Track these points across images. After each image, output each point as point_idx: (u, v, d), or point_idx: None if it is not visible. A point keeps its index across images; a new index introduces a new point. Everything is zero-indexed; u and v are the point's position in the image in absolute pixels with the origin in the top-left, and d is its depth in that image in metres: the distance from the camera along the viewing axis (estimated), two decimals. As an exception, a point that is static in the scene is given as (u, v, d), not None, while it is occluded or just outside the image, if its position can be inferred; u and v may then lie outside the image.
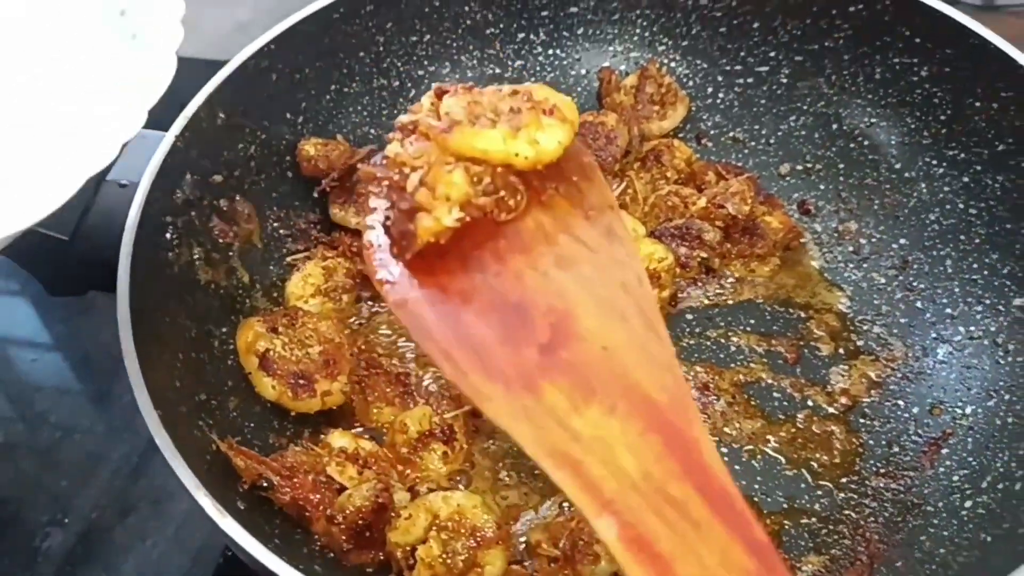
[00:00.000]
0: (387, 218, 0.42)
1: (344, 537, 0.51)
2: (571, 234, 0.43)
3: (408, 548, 0.51)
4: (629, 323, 0.40)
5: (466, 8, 0.71)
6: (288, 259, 0.65)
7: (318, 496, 0.52)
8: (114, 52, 0.51)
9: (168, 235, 0.55)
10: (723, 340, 0.63)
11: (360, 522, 0.51)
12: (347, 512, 0.51)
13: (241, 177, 0.62)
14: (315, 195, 0.66)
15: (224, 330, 0.58)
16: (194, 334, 0.56)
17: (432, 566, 0.49)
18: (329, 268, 0.63)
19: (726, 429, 0.59)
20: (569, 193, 0.43)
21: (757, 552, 0.34)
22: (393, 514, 0.52)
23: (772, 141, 0.72)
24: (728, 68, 0.73)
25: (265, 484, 0.51)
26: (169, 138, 0.56)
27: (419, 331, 0.40)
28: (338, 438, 0.56)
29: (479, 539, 0.50)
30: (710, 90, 0.73)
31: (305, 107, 0.66)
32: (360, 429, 0.59)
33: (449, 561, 0.50)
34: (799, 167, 0.70)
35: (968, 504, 0.52)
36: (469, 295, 0.40)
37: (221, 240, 0.60)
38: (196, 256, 0.58)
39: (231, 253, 0.61)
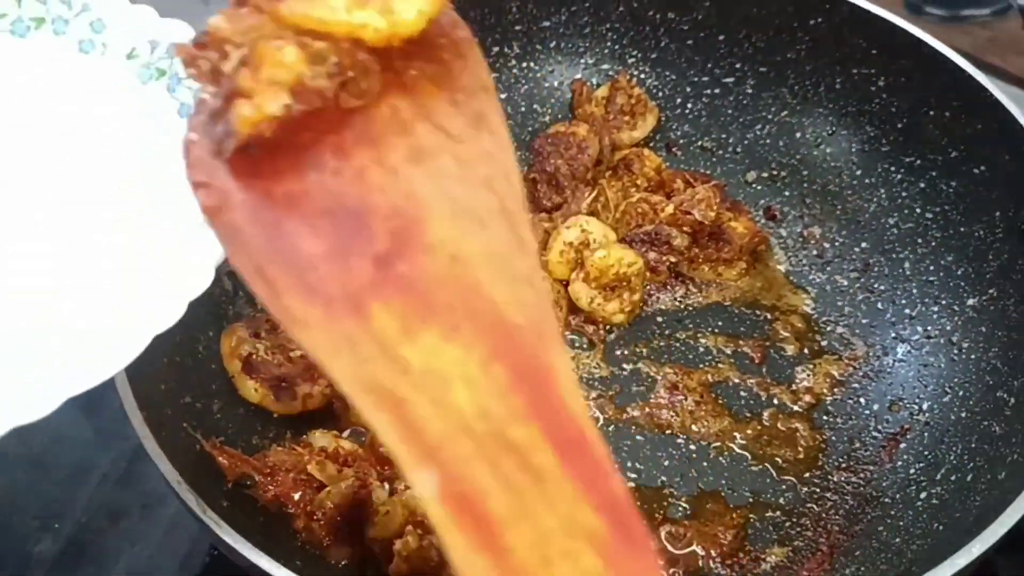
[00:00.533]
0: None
1: (324, 532, 0.53)
2: (432, 122, 0.35)
3: (386, 542, 0.53)
4: (488, 228, 0.33)
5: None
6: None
7: (299, 493, 0.54)
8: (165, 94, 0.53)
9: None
10: (692, 341, 0.66)
11: (339, 518, 0.53)
12: (326, 508, 0.53)
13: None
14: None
15: (209, 334, 0.60)
16: (179, 339, 0.58)
17: (409, 559, 0.51)
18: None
19: (694, 427, 0.61)
20: (437, 75, 0.36)
21: (609, 509, 0.28)
22: (371, 510, 0.54)
23: (739, 149, 0.74)
24: (695, 79, 0.75)
25: (248, 482, 0.53)
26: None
27: (232, 244, 0.33)
28: (319, 438, 0.58)
29: None
30: (679, 100, 0.76)
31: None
32: (347, 433, 0.61)
33: (426, 555, 0.51)
34: (765, 174, 0.73)
35: (923, 495, 0.54)
36: (297, 200, 0.33)
37: (204, 249, 0.62)
38: (180, 264, 0.60)
39: (214, 262, 0.63)
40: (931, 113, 0.64)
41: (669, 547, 0.56)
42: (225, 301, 0.63)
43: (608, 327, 0.66)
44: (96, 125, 0.53)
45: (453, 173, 0.34)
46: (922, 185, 0.65)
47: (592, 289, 0.65)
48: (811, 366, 0.64)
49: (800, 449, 0.60)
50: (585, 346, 0.65)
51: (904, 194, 0.66)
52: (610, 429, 0.61)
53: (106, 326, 0.42)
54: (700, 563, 0.55)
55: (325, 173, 0.33)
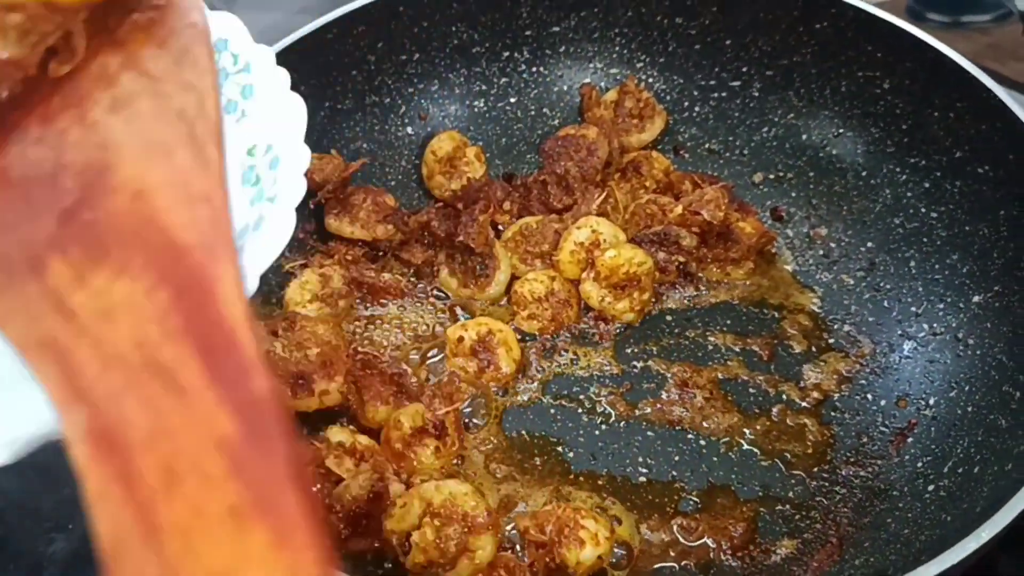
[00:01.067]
0: None
1: (343, 525, 0.54)
2: (138, 69, 0.36)
3: (403, 534, 0.54)
4: (174, 156, 0.34)
5: (453, 29, 0.74)
6: (286, 267, 0.67)
7: (317, 487, 0.55)
8: (237, 195, 0.52)
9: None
10: (701, 339, 0.66)
11: (356, 510, 0.54)
12: (345, 501, 0.54)
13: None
14: (311, 206, 0.69)
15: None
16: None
17: (426, 550, 0.52)
18: (325, 275, 0.66)
19: (704, 423, 0.62)
20: (148, 23, 0.37)
21: (246, 411, 0.27)
22: (388, 503, 0.55)
23: (746, 152, 0.75)
24: (703, 83, 0.76)
25: None
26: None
27: None
28: (336, 433, 0.58)
29: (470, 525, 0.53)
30: (686, 104, 0.77)
31: (300, 123, 0.69)
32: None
33: (442, 546, 0.52)
34: (771, 176, 0.74)
35: (931, 488, 0.55)
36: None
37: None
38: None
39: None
40: (935, 114, 0.65)
41: (681, 539, 0.56)
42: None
43: (618, 325, 0.67)
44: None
45: (148, 112, 0.35)
46: (927, 185, 0.66)
47: (602, 288, 0.66)
48: (819, 363, 0.65)
49: (809, 444, 0.61)
50: (597, 343, 0.66)
51: (909, 194, 0.67)
52: (621, 425, 0.62)
53: None
54: (711, 555, 0.56)
55: (26, 144, 0.33)
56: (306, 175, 0.66)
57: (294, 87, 0.68)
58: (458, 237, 0.67)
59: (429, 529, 0.53)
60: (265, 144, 0.51)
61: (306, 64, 0.68)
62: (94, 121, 0.34)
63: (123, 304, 0.30)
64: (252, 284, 0.43)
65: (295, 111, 0.51)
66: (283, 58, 0.65)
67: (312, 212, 0.70)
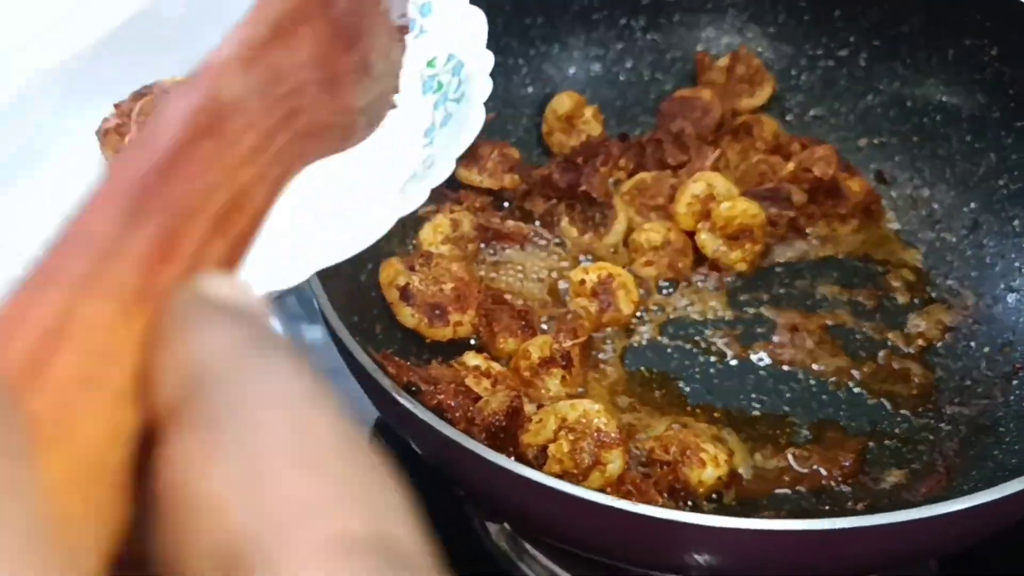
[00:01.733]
0: None
1: (482, 437, 0.58)
2: None
3: (539, 447, 0.58)
4: None
5: (576, -6, 0.79)
6: (420, 212, 0.72)
7: (458, 401, 0.60)
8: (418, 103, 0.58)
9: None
10: (809, 290, 0.70)
11: (496, 424, 0.59)
12: (485, 415, 0.59)
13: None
14: (444, 156, 0.74)
15: (368, 267, 0.66)
16: (344, 270, 0.64)
17: (561, 461, 0.57)
18: (456, 220, 0.71)
19: (814, 365, 0.65)
20: None
21: None
22: (524, 419, 0.59)
23: (851, 118, 0.79)
24: (811, 52, 0.80)
25: (413, 389, 0.59)
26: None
27: None
28: (472, 358, 0.63)
29: (603, 440, 0.57)
30: (794, 72, 0.80)
31: (435, 79, 0.75)
32: (485, 359, 0.66)
33: (576, 457, 0.57)
34: (876, 141, 0.77)
35: (1038, 423, 0.58)
36: None
37: (367, 190, 0.68)
38: (349, 201, 0.66)
39: (375, 202, 0.69)
40: (1043, 79, 0.68)
41: (795, 466, 0.60)
42: (379, 240, 0.69)
43: (732, 275, 0.71)
44: None
45: None
46: (1032, 147, 0.69)
47: (717, 238, 0.70)
48: (923, 314, 0.68)
49: (914, 386, 0.64)
50: (712, 289, 0.70)
51: (1014, 156, 0.70)
52: (735, 364, 0.66)
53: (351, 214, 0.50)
54: (823, 482, 0.60)
55: None
56: None
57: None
58: (580, 187, 0.71)
59: (564, 441, 0.57)
60: (446, 54, 0.57)
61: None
62: None
63: None
64: (446, 171, 0.49)
65: (475, 20, 0.57)
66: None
67: (445, 161, 0.74)
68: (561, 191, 0.74)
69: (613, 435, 0.58)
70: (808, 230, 0.73)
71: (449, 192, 0.75)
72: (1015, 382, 0.62)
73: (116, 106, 0.58)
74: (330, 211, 0.54)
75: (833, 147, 0.73)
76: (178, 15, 0.63)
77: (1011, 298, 0.67)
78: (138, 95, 0.58)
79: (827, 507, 0.58)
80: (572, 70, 0.81)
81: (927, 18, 0.73)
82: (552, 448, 0.57)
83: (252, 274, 0.44)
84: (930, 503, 0.48)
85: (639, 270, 0.71)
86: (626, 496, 0.57)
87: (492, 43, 0.77)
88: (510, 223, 0.74)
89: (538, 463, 0.58)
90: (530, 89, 0.81)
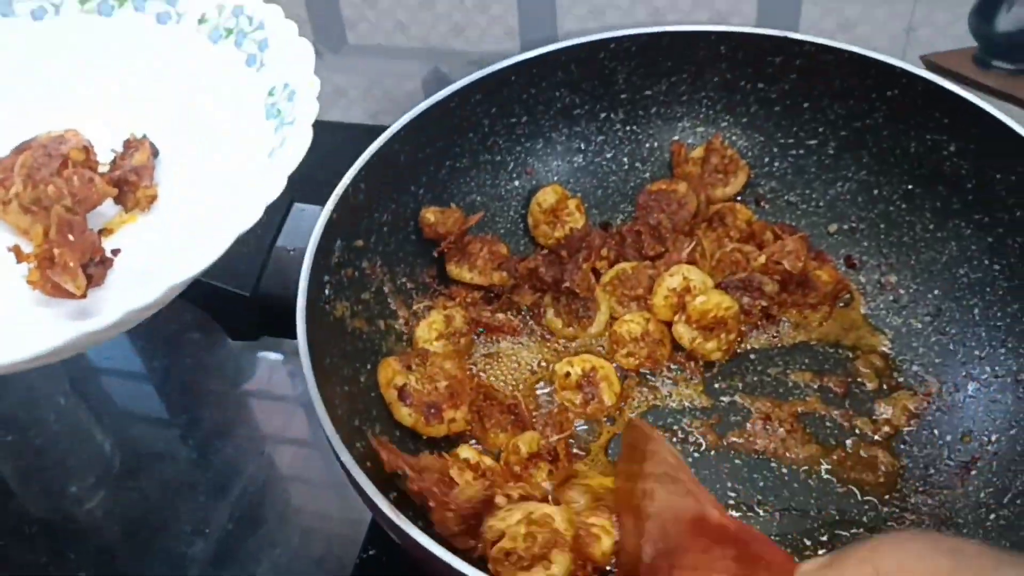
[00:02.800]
0: None
1: (455, 523, 0.62)
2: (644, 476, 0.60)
3: (498, 532, 0.61)
4: (678, 489, 0.58)
5: (557, 94, 0.83)
6: (414, 307, 0.77)
7: (439, 489, 0.63)
8: (263, 128, 0.64)
9: (326, 292, 0.68)
10: (782, 377, 0.74)
11: (469, 510, 0.62)
12: (460, 500, 0.62)
13: (376, 241, 0.75)
14: (435, 254, 0.78)
15: (367, 368, 0.71)
16: (346, 372, 0.68)
17: (515, 540, 0.59)
18: (449, 316, 0.76)
19: (787, 454, 0.69)
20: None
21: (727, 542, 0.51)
22: (495, 509, 0.63)
23: (821, 204, 0.83)
24: (782, 141, 0.84)
25: (401, 474, 0.63)
26: (326, 213, 0.68)
27: None
28: (465, 450, 0.67)
29: (557, 541, 0.61)
30: (767, 160, 0.85)
31: (425, 180, 0.79)
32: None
33: (528, 543, 0.59)
34: (845, 226, 0.81)
35: (992, 517, 0.62)
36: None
37: (362, 295, 0.73)
38: (345, 308, 0.70)
39: (370, 305, 0.73)
40: (998, 176, 0.71)
41: (767, 556, 0.64)
42: (378, 339, 0.74)
43: (708, 363, 0.75)
44: (180, 79, 0.66)
45: (660, 485, 0.59)
46: (990, 240, 0.73)
47: (693, 330, 0.74)
48: (889, 400, 0.72)
49: (881, 474, 0.68)
50: (688, 379, 0.74)
51: (973, 247, 0.74)
52: (712, 453, 0.70)
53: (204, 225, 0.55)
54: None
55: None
56: (431, 226, 0.75)
57: (422, 148, 0.78)
58: (564, 283, 0.76)
59: (523, 526, 0.61)
60: (283, 83, 0.63)
61: (432, 129, 0.77)
62: (647, 507, 0.60)
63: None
64: (280, 184, 0.55)
65: (304, 49, 0.64)
66: (414, 124, 0.75)
67: (436, 260, 0.79)
68: (547, 284, 0.78)
69: (566, 539, 0.61)
70: (780, 317, 0.77)
71: (441, 288, 0.79)
72: (973, 472, 0.66)
73: None
74: (192, 230, 0.58)
75: (803, 239, 0.77)
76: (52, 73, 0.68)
77: (971, 387, 0.70)
78: (19, 150, 0.62)
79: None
80: (555, 163, 0.86)
81: (890, 113, 0.77)
82: (510, 530, 0.61)
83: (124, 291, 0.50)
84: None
85: (620, 360, 0.75)
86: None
87: (481, 142, 0.82)
88: (500, 316, 0.78)
89: (494, 541, 0.62)
90: (516, 183, 0.85)
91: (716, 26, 0.81)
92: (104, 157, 0.65)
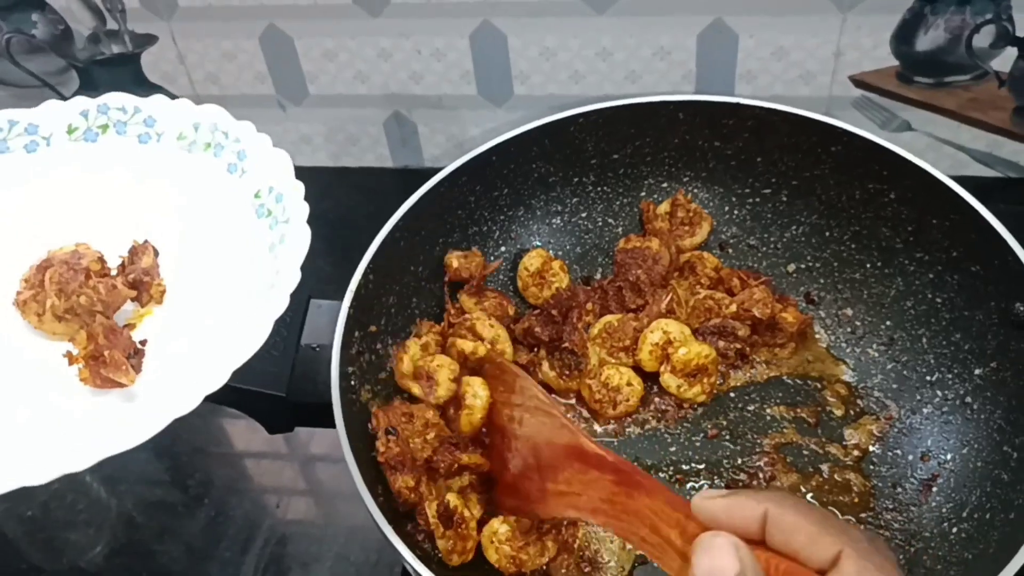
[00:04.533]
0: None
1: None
2: (512, 404, 0.69)
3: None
4: (547, 422, 0.63)
5: (533, 167, 0.90)
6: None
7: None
8: (257, 225, 0.70)
9: (352, 382, 0.75)
10: (760, 411, 0.83)
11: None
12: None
13: (387, 323, 0.81)
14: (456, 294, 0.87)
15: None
16: (371, 454, 0.75)
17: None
18: (426, 343, 0.83)
19: (775, 483, 0.78)
20: (504, 384, 0.72)
21: (606, 468, 0.54)
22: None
23: (779, 246, 0.92)
24: (739, 191, 0.93)
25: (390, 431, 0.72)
26: (344, 309, 0.75)
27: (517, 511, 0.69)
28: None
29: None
30: (727, 208, 0.93)
31: (423, 259, 0.86)
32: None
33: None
34: (802, 265, 0.90)
35: (955, 530, 0.72)
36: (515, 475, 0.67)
37: (379, 375, 0.80)
38: (368, 392, 0.77)
39: (386, 383, 0.80)
40: (934, 221, 0.81)
41: None
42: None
43: (693, 406, 0.84)
44: (166, 189, 0.72)
45: (530, 415, 0.66)
46: (931, 275, 0.82)
47: (678, 378, 0.83)
48: (856, 425, 0.81)
49: (855, 495, 0.77)
50: (676, 420, 0.83)
51: (917, 282, 0.83)
52: (706, 486, 0.79)
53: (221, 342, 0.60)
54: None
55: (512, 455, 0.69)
56: (454, 271, 0.84)
57: (417, 232, 0.85)
58: (564, 343, 0.84)
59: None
60: (267, 186, 0.70)
61: (425, 214, 0.84)
62: (519, 431, 0.69)
63: (571, 480, 0.59)
64: (294, 278, 0.61)
65: (282, 158, 0.71)
66: (409, 213, 0.82)
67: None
68: (542, 342, 0.86)
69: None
70: (753, 357, 0.86)
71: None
72: (934, 489, 0.75)
73: (26, 280, 0.69)
74: (213, 332, 0.65)
75: (766, 283, 0.86)
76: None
77: (926, 409, 0.80)
78: (41, 267, 0.68)
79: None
80: (535, 226, 0.94)
81: (835, 166, 0.86)
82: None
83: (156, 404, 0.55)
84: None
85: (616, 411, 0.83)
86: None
87: (468, 217, 0.89)
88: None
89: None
90: (503, 248, 0.92)
91: (674, 96, 0.89)
92: (111, 262, 0.71)
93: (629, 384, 0.83)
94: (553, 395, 0.85)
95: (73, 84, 1.20)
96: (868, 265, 0.87)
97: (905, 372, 0.83)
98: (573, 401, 0.85)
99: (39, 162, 0.72)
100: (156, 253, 0.70)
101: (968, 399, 0.78)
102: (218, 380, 0.57)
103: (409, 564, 0.63)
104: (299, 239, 0.65)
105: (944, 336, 0.81)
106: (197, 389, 0.57)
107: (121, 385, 0.61)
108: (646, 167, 0.93)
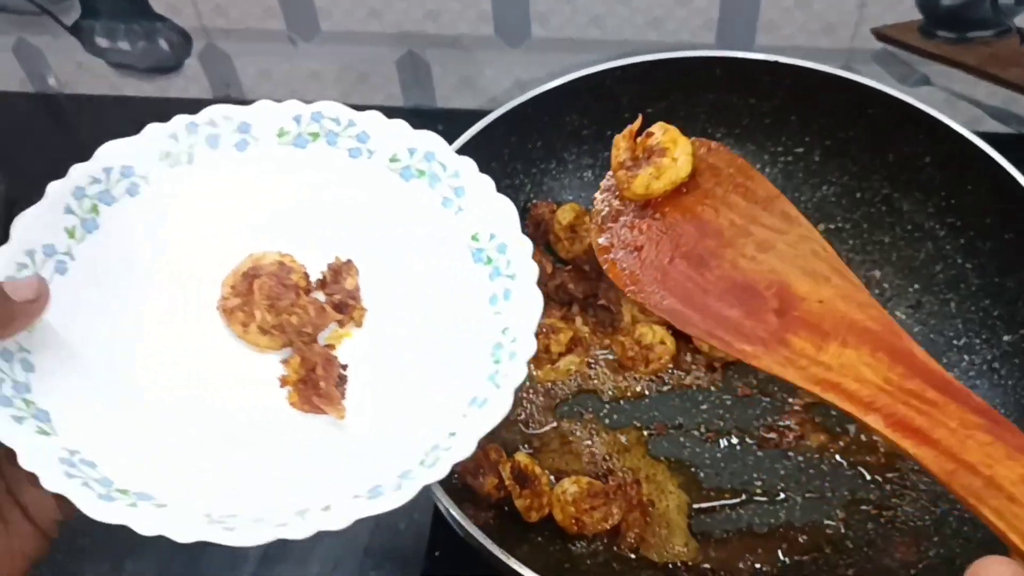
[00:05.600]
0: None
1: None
2: (758, 223, 0.59)
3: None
4: (830, 280, 0.55)
5: (568, 119, 0.90)
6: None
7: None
8: (473, 271, 0.65)
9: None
10: (789, 372, 0.85)
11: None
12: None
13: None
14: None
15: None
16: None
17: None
18: None
19: (803, 442, 0.80)
20: (741, 191, 0.60)
21: (982, 413, 0.48)
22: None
23: (809, 205, 0.92)
24: (772, 149, 0.93)
25: None
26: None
27: (683, 323, 0.57)
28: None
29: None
30: (758, 167, 0.93)
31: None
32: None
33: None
34: (832, 227, 0.91)
35: (980, 491, 0.74)
36: (708, 290, 0.57)
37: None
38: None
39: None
40: (969, 187, 0.81)
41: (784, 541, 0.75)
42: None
43: (725, 365, 0.85)
44: (373, 210, 0.69)
45: (789, 252, 0.57)
46: (962, 241, 0.83)
47: (711, 337, 0.84)
48: (883, 387, 0.83)
49: (881, 456, 0.79)
50: (706, 381, 0.84)
51: (948, 247, 0.85)
52: (737, 447, 0.80)
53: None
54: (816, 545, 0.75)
55: (713, 271, 0.57)
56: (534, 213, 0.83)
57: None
58: (600, 301, 0.84)
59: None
60: (488, 232, 0.67)
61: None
62: (753, 256, 0.57)
63: (858, 361, 0.52)
64: (531, 346, 0.59)
65: (506, 207, 0.66)
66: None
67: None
68: (576, 298, 0.86)
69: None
70: (783, 317, 0.87)
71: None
72: (961, 451, 0.78)
73: (232, 287, 0.66)
74: (431, 377, 0.62)
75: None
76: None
77: (953, 373, 0.81)
78: (248, 276, 0.66)
79: (822, 573, 0.74)
80: (567, 180, 0.93)
81: (870, 127, 0.87)
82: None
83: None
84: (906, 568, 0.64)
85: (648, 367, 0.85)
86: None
87: (502, 169, 0.88)
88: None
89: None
90: (535, 202, 0.92)
91: (712, 52, 0.89)
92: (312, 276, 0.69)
93: (662, 343, 0.84)
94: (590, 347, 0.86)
95: (74, 12, 1.17)
96: (898, 228, 0.88)
97: (932, 336, 0.84)
98: (609, 354, 0.86)
99: (247, 161, 0.69)
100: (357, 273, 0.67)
101: (996, 364, 0.80)
102: (464, 448, 0.54)
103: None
104: (531, 301, 0.61)
105: (973, 301, 0.83)
106: (441, 454, 0.54)
107: (327, 413, 0.60)
108: (679, 122, 0.90)
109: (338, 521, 0.51)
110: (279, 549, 0.85)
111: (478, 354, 0.61)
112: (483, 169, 0.86)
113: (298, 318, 0.63)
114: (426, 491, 0.72)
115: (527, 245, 0.64)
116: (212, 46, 1.15)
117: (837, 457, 0.80)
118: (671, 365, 0.84)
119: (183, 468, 0.57)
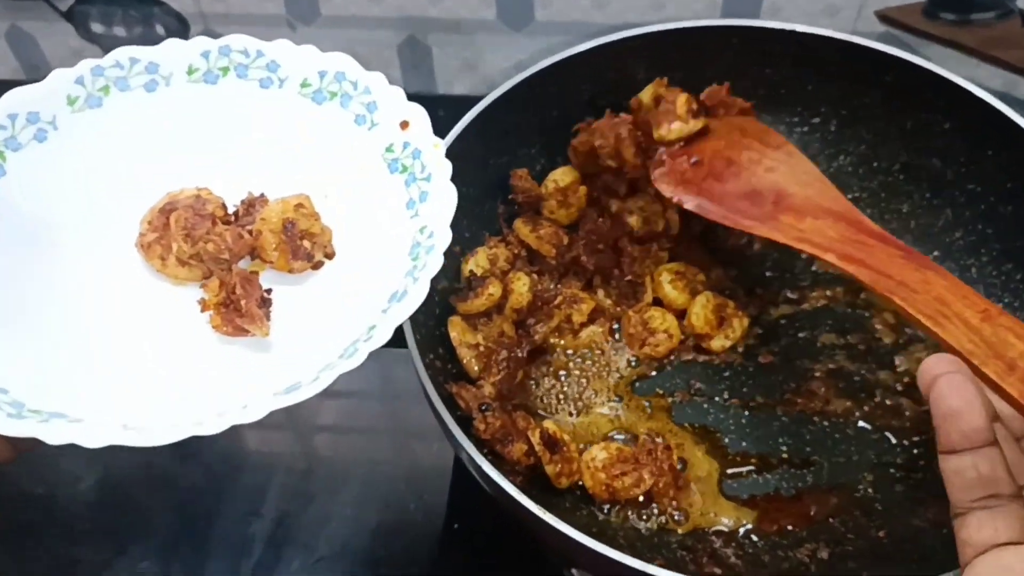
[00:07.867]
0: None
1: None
2: (769, 157, 0.78)
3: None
4: (813, 185, 0.75)
5: (583, 87, 0.89)
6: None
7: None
8: (390, 181, 0.67)
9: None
10: (811, 338, 0.84)
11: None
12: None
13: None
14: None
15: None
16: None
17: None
18: (494, 255, 0.83)
19: (828, 407, 0.79)
20: (759, 137, 0.80)
21: (900, 248, 0.67)
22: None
23: (826, 175, 0.91)
24: (788, 119, 0.92)
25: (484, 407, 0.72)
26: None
27: (706, 212, 0.77)
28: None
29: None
30: (774, 137, 0.93)
31: (473, 179, 0.85)
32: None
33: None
34: (850, 196, 0.89)
35: (1009, 451, 0.73)
36: (727, 193, 0.77)
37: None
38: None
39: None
40: (989, 153, 0.81)
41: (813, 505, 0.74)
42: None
43: (747, 335, 0.84)
44: (288, 138, 0.70)
45: (789, 173, 0.77)
46: (982, 207, 0.83)
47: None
48: (905, 353, 0.82)
49: (906, 419, 0.79)
50: (730, 348, 0.83)
51: (967, 214, 0.84)
52: (762, 413, 0.80)
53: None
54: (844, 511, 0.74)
55: (735, 182, 0.78)
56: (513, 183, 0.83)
57: (468, 153, 0.83)
58: (626, 276, 0.83)
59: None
60: (401, 141, 0.68)
61: (476, 133, 0.82)
62: (762, 175, 0.78)
63: (825, 229, 0.70)
64: (445, 236, 0.60)
65: (418, 113, 0.68)
66: (463, 130, 0.80)
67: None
68: (592, 272, 0.85)
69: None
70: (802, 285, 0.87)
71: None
72: (987, 413, 0.77)
73: (149, 223, 0.67)
74: (353, 287, 0.64)
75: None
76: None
77: (976, 337, 0.81)
78: (164, 211, 0.67)
79: (852, 535, 0.73)
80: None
81: (886, 95, 0.86)
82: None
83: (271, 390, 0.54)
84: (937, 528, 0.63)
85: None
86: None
87: (518, 138, 0.87)
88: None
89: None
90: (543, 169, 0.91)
91: (724, 20, 0.88)
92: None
93: (666, 332, 0.83)
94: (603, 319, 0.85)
95: (70, -5, 1.15)
96: (916, 196, 0.88)
97: (953, 301, 0.84)
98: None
99: (159, 102, 0.69)
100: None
101: (1019, 328, 0.79)
102: (382, 336, 0.55)
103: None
104: (445, 197, 0.63)
105: (994, 266, 0.82)
106: (360, 344, 0.55)
107: (250, 334, 0.61)
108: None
109: (253, 415, 0.51)
110: (286, 532, 0.84)
111: (397, 256, 0.63)
112: (499, 139, 0.86)
113: (214, 245, 0.63)
114: (441, 471, 0.72)
115: (440, 145, 0.67)
116: (210, 31, 1.14)
117: (861, 423, 0.79)
118: (665, 356, 0.83)
119: (101, 390, 0.58)
